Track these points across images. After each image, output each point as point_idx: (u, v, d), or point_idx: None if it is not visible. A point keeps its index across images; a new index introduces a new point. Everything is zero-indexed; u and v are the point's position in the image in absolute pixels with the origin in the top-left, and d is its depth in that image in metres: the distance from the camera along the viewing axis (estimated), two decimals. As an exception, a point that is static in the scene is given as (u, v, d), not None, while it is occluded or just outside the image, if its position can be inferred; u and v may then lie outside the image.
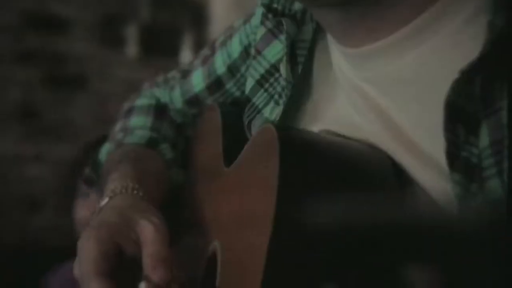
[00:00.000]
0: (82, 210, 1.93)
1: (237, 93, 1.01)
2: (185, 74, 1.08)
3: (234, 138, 0.92)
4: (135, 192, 0.88)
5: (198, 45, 3.55)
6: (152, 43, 3.58)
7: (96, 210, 0.87)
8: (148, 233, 0.78)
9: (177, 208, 1.02)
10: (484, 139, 0.64)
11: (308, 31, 0.85)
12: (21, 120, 3.38)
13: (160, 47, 3.59)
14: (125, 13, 3.58)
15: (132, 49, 3.56)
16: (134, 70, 3.52)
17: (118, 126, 1.09)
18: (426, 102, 0.70)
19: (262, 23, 0.90)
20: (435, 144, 0.66)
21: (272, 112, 0.86)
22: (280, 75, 0.85)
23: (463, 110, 0.64)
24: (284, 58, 0.84)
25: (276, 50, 0.87)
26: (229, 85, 1.01)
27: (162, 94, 1.10)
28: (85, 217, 1.91)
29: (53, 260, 1.98)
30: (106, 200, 0.87)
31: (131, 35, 3.56)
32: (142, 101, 1.11)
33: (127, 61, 3.56)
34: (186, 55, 3.59)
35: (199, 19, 3.70)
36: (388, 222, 0.54)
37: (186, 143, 1.09)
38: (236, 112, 0.98)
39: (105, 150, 1.06)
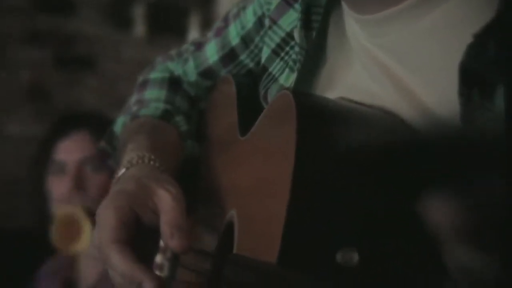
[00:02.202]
0: (58, 187, 1.95)
1: (251, 65, 1.01)
2: (199, 46, 1.08)
3: (249, 108, 0.92)
4: (151, 162, 0.88)
5: (205, 24, 3.54)
6: (160, 22, 3.58)
7: (114, 181, 0.88)
8: (166, 201, 0.79)
9: (193, 179, 1.03)
10: (499, 104, 0.64)
11: None
12: (30, 101, 3.39)
13: (167, 26, 3.59)
14: (133, -7, 3.58)
15: (139, 29, 3.55)
16: (142, 50, 3.51)
17: (132, 99, 1.10)
18: (440, 67, 0.70)
19: None
20: (450, 109, 0.67)
21: (287, 79, 0.87)
22: (296, 42, 0.85)
23: (478, 75, 0.65)
24: (299, 24, 0.84)
25: (291, 18, 0.88)
26: (243, 56, 1.01)
27: (175, 67, 1.11)
28: (62, 194, 1.92)
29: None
30: (123, 170, 0.88)
31: (139, 15, 3.55)
32: (155, 74, 1.11)
33: (135, 41, 3.56)
34: (193, 34, 3.58)
35: (206, -2, 3.69)
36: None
37: (201, 115, 1.10)
38: (250, 83, 0.98)
39: (120, 123, 1.06)
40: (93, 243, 0.82)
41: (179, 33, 3.58)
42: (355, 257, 0.63)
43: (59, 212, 1.84)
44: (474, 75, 0.64)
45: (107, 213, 0.78)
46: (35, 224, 2.18)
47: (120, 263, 0.76)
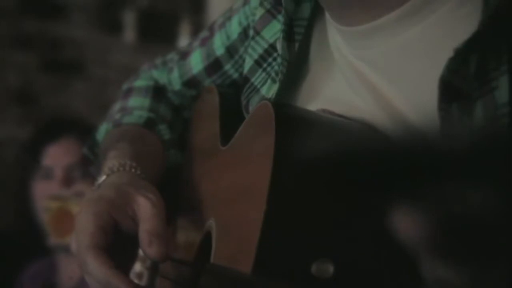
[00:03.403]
0: (44, 191, 1.94)
1: (235, 75, 1.02)
2: (184, 55, 1.08)
3: (232, 119, 0.92)
4: (132, 170, 0.88)
5: (196, 31, 3.54)
6: (150, 28, 3.58)
7: (94, 187, 0.88)
8: (145, 209, 0.79)
9: (175, 188, 1.03)
10: (478, 119, 0.64)
11: (306, 9, 0.86)
12: (18, 104, 3.38)
13: (157, 33, 3.59)
14: (123, -1, 3.58)
15: (129, 34, 3.55)
16: (132, 55, 3.51)
17: (116, 106, 1.10)
18: (421, 81, 0.71)
19: (260, 4, 0.91)
20: (429, 123, 0.67)
21: (269, 90, 0.87)
22: (278, 54, 0.86)
23: (457, 89, 0.65)
24: (281, 35, 0.84)
25: (274, 30, 0.88)
26: (228, 67, 1.02)
27: (160, 76, 1.11)
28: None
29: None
30: (103, 177, 0.88)
31: (129, 21, 3.55)
32: (140, 82, 1.11)
33: (124, 47, 3.56)
34: (183, 41, 3.58)
35: (196, 5, 3.69)
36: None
37: (184, 124, 1.10)
38: (234, 94, 0.98)
39: (102, 130, 1.06)
40: (71, 249, 0.82)
41: (169, 40, 3.58)
42: (330, 269, 0.63)
43: (52, 205, 1.84)
44: (453, 90, 0.65)
45: (85, 218, 0.78)
46: (18, 227, 2.18)
47: (96, 269, 0.75)
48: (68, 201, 1.82)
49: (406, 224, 0.46)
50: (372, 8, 0.75)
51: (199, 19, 3.67)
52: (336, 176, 0.67)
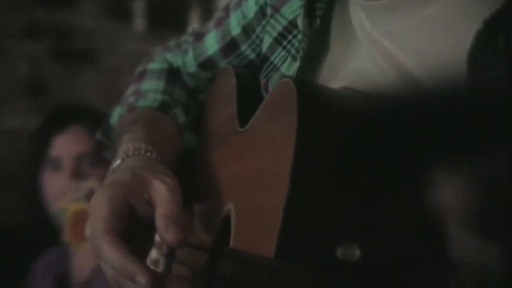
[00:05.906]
0: (54, 183, 1.91)
1: (252, 55, 0.99)
2: (199, 36, 1.05)
3: (249, 100, 0.90)
4: (148, 153, 0.86)
5: (206, 18, 3.50)
6: (160, 16, 3.56)
7: (109, 172, 0.86)
8: (161, 193, 0.77)
9: (191, 172, 1.00)
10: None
11: None
12: (28, 94, 3.37)
13: (167, 21, 3.57)
14: (133, -13, 3.56)
15: (139, 23, 3.53)
16: (142, 44, 3.49)
17: (130, 90, 1.07)
18: (447, 55, 0.68)
19: None
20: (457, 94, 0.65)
21: (290, 67, 0.85)
22: (299, 31, 0.83)
23: (486, 63, 0.63)
24: (302, 11, 0.82)
25: (294, 6, 0.86)
26: (244, 47, 0.99)
27: (174, 58, 1.08)
28: (58, 191, 1.87)
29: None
30: (118, 161, 0.85)
31: (139, 9, 3.53)
32: (154, 65, 1.09)
33: (135, 35, 3.54)
34: (194, 29, 3.57)
35: (207, -7, 3.67)
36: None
37: (200, 107, 1.07)
38: (251, 74, 0.96)
39: (116, 114, 1.04)
40: (86, 234, 0.79)
41: (179, 27, 3.56)
42: (357, 252, 0.61)
43: (70, 208, 1.79)
44: (481, 64, 0.63)
45: (100, 203, 0.76)
46: (30, 219, 2.15)
47: (112, 255, 0.73)
48: (83, 201, 1.76)
49: (441, 194, 0.44)
50: None
51: (209, 6, 3.65)
52: (362, 155, 0.65)
